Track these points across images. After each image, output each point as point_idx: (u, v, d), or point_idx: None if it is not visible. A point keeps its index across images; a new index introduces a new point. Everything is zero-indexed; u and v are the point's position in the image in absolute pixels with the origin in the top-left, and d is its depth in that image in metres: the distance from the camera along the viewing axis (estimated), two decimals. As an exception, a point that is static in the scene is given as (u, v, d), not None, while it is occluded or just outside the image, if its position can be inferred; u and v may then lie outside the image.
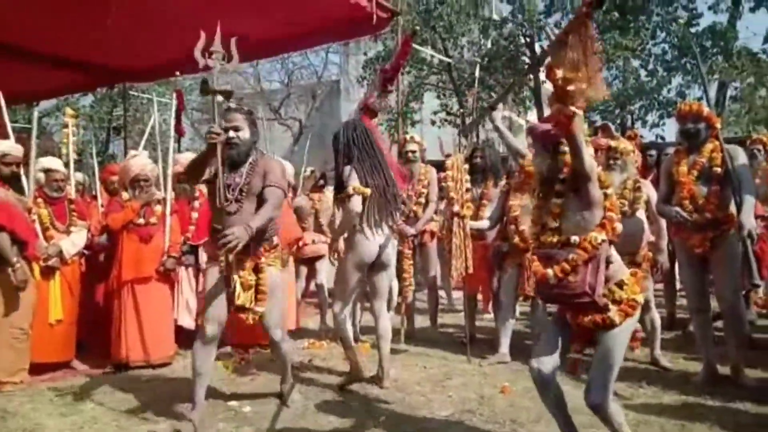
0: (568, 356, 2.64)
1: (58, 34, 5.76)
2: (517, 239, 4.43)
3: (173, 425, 3.25)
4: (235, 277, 3.14)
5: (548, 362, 2.55)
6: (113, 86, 8.96)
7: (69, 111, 5.68)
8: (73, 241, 4.44)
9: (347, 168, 3.80)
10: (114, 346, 4.47)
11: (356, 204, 3.70)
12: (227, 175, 3.20)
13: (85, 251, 4.67)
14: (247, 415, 3.41)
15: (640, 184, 4.30)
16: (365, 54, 16.42)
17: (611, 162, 4.31)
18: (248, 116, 3.37)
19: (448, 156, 4.79)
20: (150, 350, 4.46)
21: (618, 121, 16.34)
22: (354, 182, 3.72)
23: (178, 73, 6.16)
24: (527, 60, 17.30)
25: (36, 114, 5.07)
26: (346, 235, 3.89)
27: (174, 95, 5.89)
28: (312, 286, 6.17)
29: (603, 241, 2.37)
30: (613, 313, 2.40)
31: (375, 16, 5.47)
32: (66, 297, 4.38)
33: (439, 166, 5.20)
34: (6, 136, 4.48)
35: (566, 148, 2.39)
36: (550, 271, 2.41)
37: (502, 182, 4.94)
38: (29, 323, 4.03)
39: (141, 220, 4.56)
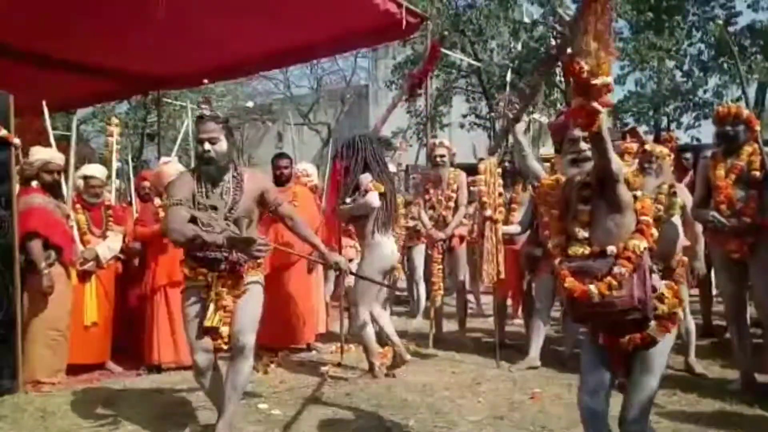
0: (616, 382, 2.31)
1: (96, 43, 5.94)
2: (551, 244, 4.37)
3: (206, 426, 3.29)
4: (212, 294, 2.87)
5: (597, 392, 2.24)
6: (147, 93, 9.21)
7: (114, 120, 5.85)
8: (109, 246, 4.55)
9: (366, 175, 3.99)
10: (147, 348, 4.56)
11: (373, 199, 3.88)
12: (209, 194, 2.93)
13: (121, 256, 4.78)
14: (277, 418, 3.44)
15: (675, 189, 4.21)
16: (394, 58, 16.49)
17: (646, 166, 4.24)
18: (224, 125, 2.99)
19: (480, 160, 4.77)
20: (181, 352, 4.53)
21: (652, 123, 16.03)
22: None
23: (206, 81, 6.29)
24: (559, 63, 17.07)
25: (75, 122, 5.22)
26: (367, 241, 4.00)
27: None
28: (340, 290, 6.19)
29: (645, 248, 2.15)
30: (653, 329, 2.16)
31: (404, 22, 5.51)
32: (101, 300, 4.49)
33: (471, 170, 5.19)
34: (48, 145, 4.63)
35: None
36: (592, 288, 2.11)
37: (531, 186, 4.89)
38: (66, 325, 4.14)
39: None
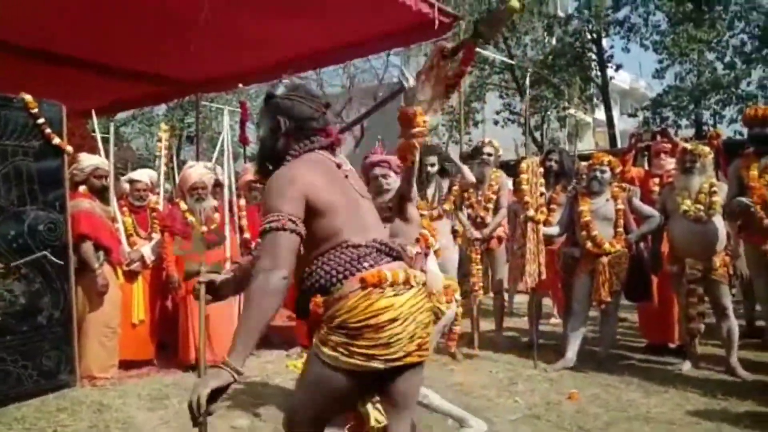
0: None
1: (138, 49, 6.13)
2: (590, 244, 4.37)
3: (252, 421, 3.41)
4: None
5: None
6: (186, 96, 9.45)
7: (163, 126, 6.05)
8: (153, 247, 4.73)
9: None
10: (182, 347, 4.68)
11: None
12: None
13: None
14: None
15: (716, 188, 4.15)
16: (426, 56, 16.44)
17: (688, 165, 4.19)
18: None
19: (523, 159, 4.71)
20: (217, 351, 4.66)
21: (692, 118, 15.64)
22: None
23: (240, 84, 6.44)
24: (594, 56, 16.82)
25: (112, 126, 5.41)
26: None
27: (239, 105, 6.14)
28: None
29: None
30: None
31: (437, 22, 5.53)
32: (147, 299, 4.67)
33: (508, 167, 5.15)
34: (94, 150, 4.83)
35: None
36: None
37: (570, 187, 4.87)
38: (117, 322, 4.34)
39: (204, 228, 4.74)
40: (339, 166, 1.91)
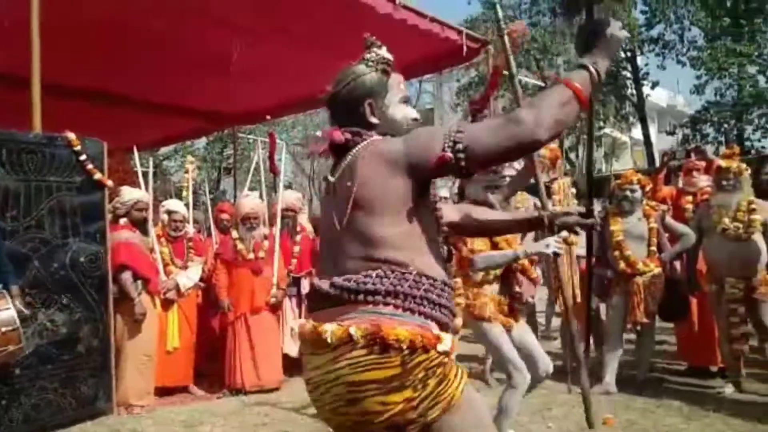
0: None
1: (175, 85, 6.42)
2: (623, 265, 4.29)
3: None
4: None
5: None
6: (224, 129, 9.77)
7: (189, 158, 6.26)
8: (189, 276, 4.87)
9: None
10: (230, 372, 4.80)
11: None
12: None
13: (201, 284, 5.08)
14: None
15: (755, 206, 4.03)
16: (458, 81, 16.56)
17: (724, 183, 4.10)
18: None
19: (554, 180, 4.69)
20: (262, 376, 4.76)
21: (734, 133, 15.21)
22: None
23: (268, 117, 6.62)
24: (629, 74, 16.62)
25: (152, 161, 5.62)
26: None
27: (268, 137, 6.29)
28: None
29: None
30: None
31: (465, 48, 5.61)
32: (183, 327, 4.78)
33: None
34: (136, 184, 5.04)
35: None
36: None
37: (598, 207, 4.80)
38: (154, 350, 4.45)
39: (251, 255, 4.89)
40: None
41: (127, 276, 4.31)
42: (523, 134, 1.35)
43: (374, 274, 1.41)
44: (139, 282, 4.38)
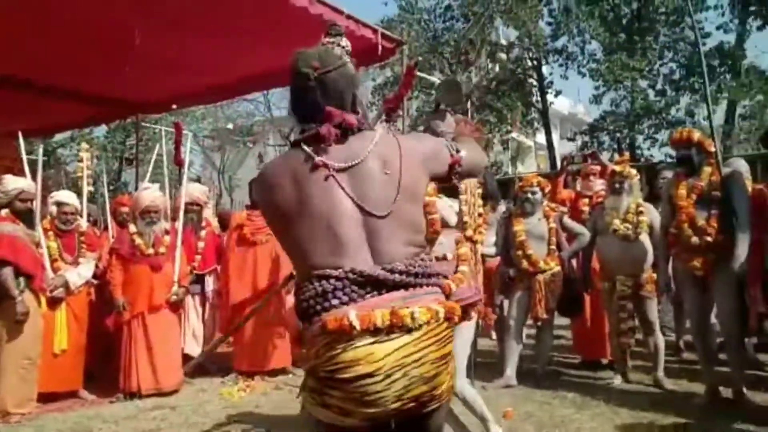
0: None
1: (77, 70, 5.96)
2: (525, 263, 4.46)
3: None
4: None
5: None
6: (126, 118, 9.21)
7: (84, 146, 5.84)
8: (79, 273, 4.52)
9: None
10: (125, 375, 4.51)
11: None
12: None
13: (94, 281, 4.75)
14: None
15: (642, 208, 4.32)
16: (373, 80, 16.63)
17: (617, 186, 4.36)
18: None
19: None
20: (161, 379, 4.51)
21: (627, 141, 16.35)
22: None
23: (174, 106, 6.33)
24: (534, 83, 17.43)
25: (41, 148, 5.22)
26: None
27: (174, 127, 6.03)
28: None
29: None
30: None
31: (380, 47, 5.61)
32: (72, 327, 4.44)
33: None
34: (22, 173, 4.63)
35: None
36: None
37: (502, 208, 4.96)
38: (37, 353, 4.10)
39: (151, 251, 4.63)
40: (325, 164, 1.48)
41: (7, 272, 3.94)
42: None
43: (426, 258, 1.54)
44: (22, 279, 4.01)
